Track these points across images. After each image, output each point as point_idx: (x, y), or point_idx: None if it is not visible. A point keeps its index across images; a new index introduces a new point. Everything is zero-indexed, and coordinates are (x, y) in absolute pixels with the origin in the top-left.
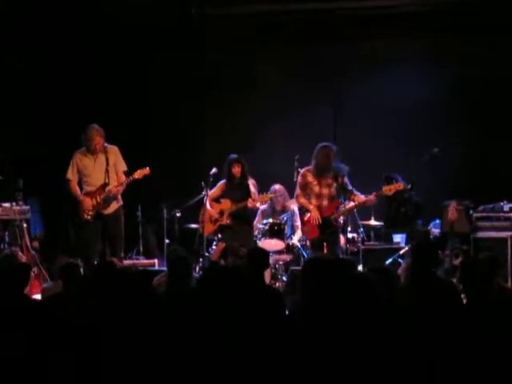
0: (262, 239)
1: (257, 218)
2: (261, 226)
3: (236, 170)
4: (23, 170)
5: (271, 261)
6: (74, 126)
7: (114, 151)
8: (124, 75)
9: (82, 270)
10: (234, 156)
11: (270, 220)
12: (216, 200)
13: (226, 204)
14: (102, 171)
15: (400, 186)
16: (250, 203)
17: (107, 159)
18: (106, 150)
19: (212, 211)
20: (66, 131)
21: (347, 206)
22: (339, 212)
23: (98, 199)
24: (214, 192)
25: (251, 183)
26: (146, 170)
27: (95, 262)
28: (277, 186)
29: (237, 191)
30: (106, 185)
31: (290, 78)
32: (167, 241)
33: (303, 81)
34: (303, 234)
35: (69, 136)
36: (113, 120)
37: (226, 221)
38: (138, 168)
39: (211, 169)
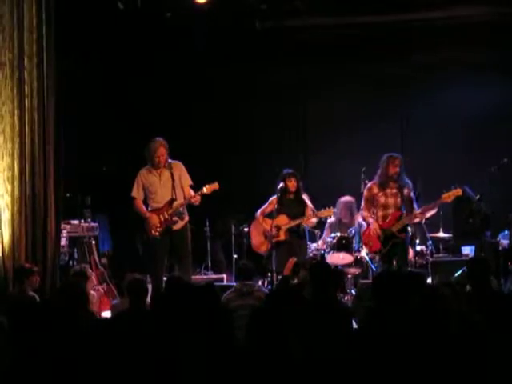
0: (331, 253)
1: (325, 232)
2: (329, 240)
3: (291, 184)
4: (91, 187)
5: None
6: (140, 143)
7: (178, 166)
8: (188, 90)
9: (150, 286)
10: (288, 170)
11: (338, 233)
12: (268, 216)
13: (283, 219)
14: (168, 187)
15: (458, 192)
16: (305, 222)
17: (172, 175)
18: (170, 165)
19: (267, 227)
20: (133, 148)
21: (408, 219)
22: (399, 223)
23: (166, 215)
24: (265, 207)
25: (306, 198)
26: (215, 185)
27: (164, 278)
28: (345, 198)
29: (293, 206)
30: (172, 201)
31: (357, 90)
32: (235, 256)
33: (370, 92)
34: (366, 248)
35: (136, 153)
36: (178, 135)
37: (283, 236)
38: (206, 183)
39: (279, 183)
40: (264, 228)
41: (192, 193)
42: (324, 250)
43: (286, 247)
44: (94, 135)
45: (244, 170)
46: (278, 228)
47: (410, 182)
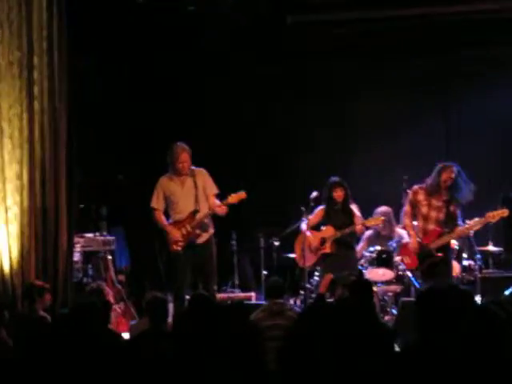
0: (369, 268)
1: (361, 245)
2: (367, 254)
3: (338, 194)
4: (107, 197)
5: (380, 292)
6: (161, 149)
7: (202, 174)
8: (212, 91)
9: (171, 305)
10: (335, 179)
11: (378, 247)
12: (315, 228)
13: (329, 231)
14: (191, 197)
15: (504, 212)
16: (358, 227)
17: (195, 183)
18: (193, 173)
19: (312, 239)
20: (152, 154)
21: (449, 237)
22: (439, 240)
23: (188, 228)
24: (312, 219)
25: (354, 207)
26: (242, 194)
27: (187, 297)
28: (383, 209)
29: (340, 217)
30: (196, 211)
31: (394, 89)
32: (265, 272)
33: (410, 93)
34: (402, 263)
35: (156, 159)
36: (201, 140)
37: (329, 249)
38: (231, 192)
39: (311, 192)
40: (309, 241)
41: (217, 202)
42: (362, 266)
43: (334, 260)
44: (111, 140)
45: (272, 179)
46: (324, 241)
47: (467, 195)
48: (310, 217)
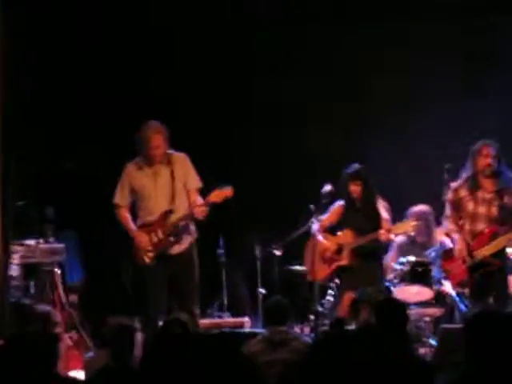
0: (400, 285)
1: (390, 255)
2: (398, 267)
3: (354, 189)
4: (53, 192)
5: (414, 317)
6: (125, 129)
7: (182, 161)
8: (192, 58)
9: (140, 334)
10: (352, 169)
11: (412, 258)
12: (331, 231)
13: (347, 236)
14: (166, 192)
15: None
16: (382, 235)
17: (172, 173)
18: (170, 159)
19: (326, 246)
20: (113, 137)
21: (507, 238)
22: (494, 243)
23: (160, 235)
24: (326, 219)
25: (381, 206)
26: (228, 190)
27: (160, 323)
28: (419, 208)
29: (361, 218)
30: (169, 212)
31: (430, 59)
32: (262, 290)
33: (453, 61)
34: (446, 276)
35: (118, 143)
36: (178, 119)
37: (346, 260)
38: (216, 187)
39: (323, 186)
40: (323, 248)
41: (199, 200)
42: (390, 282)
43: (353, 274)
44: (57, 120)
45: (274, 166)
46: (341, 248)
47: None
48: (325, 216)
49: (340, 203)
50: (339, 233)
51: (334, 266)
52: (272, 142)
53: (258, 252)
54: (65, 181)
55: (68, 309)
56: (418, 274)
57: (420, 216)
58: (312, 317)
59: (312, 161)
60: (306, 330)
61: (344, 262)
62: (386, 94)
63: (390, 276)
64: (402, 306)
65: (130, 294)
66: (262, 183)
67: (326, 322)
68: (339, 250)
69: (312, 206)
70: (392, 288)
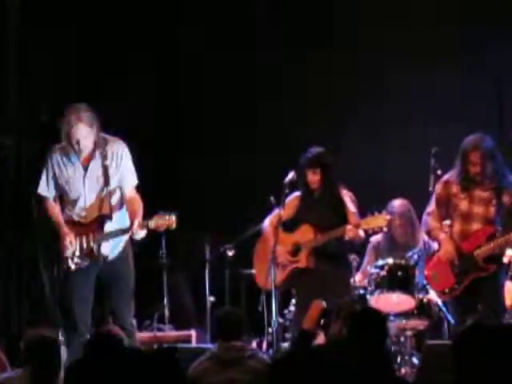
0: (377, 293)
1: (366, 258)
2: (374, 271)
3: (312, 178)
4: None
5: (393, 330)
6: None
7: (117, 148)
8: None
9: (64, 348)
10: (309, 153)
11: (390, 260)
12: (287, 227)
13: (305, 233)
14: (95, 187)
15: None
16: (350, 231)
17: (106, 172)
18: (104, 144)
19: (279, 244)
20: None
21: (505, 240)
22: (490, 246)
23: (91, 243)
24: (280, 213)
25: (346, 196)
26: (171, 221)
27: (87, 335)
28: (399, 202)
29: (320, 212)
30: (103, 218)
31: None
32: (212, 298)
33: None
34: (430, 283)
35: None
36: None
37: (305, 262)
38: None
39: (287, 173)
40: (275, 246)
41: (137, 209)
42: (365, 289)
43: (311, 280)
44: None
45: (222, 153)
46: (298, 247)
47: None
48: (277, 210)
49: (296, 194)
50: (297, 228)
51: (289, 269)
52: (225, 126)
53: (206, 252)
54: None
55: None
56: (398, 280)
57: (401, 211)
58: (271, 330)
59: (273, 143)
60: (264, 345)
61: (301, 263)
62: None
63: (365, 282)
64: (380, 318)
65: (52, 300)
66: (214, 171)
67: (288, 336)
68: (296, 250)
69: (272, 198)
70: (367, 296)
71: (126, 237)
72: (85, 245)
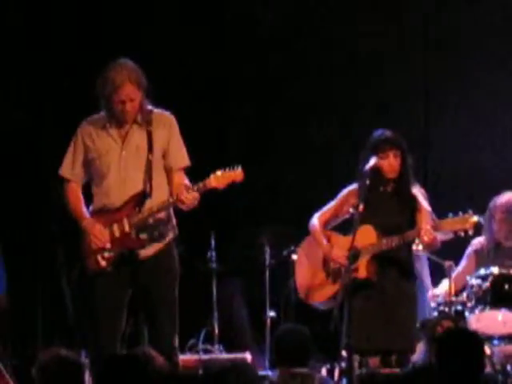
0: (478, 310)
1: (462, 265)
2: (474, 283)
3: (389, 163)
4: None
5: (498, 356)
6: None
7: (167, 123)
8: None
9: (88, 372)
10: (383, 132)
11: (495, 270)
12: (337, 228)
13: (366, 235)
14: (137, 165)
15: None
16: (424, 234)
17: (150, 138)
18: (149, 119)
19: (331, 249)
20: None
21: None
22: None
23: (126, 227)
24: (331, 210)
25: (419, 192)
26: (238, 173)
27: (115, 358)
28: (506, 198)
29: (390, 209)
30: (144, 196)
31: None
32: (272, 313)
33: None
34: None
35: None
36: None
37: (365, 272)
38: (216, 168)
39: (367, 160)
40: (326, 252)
41: (186, 182)
42: (463, 304)
43: (373, 296)
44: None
45: (299, 144)
46: (356, 254)
47: None
48: (331, 203)
49: (353, 187)
50: (357, 230)
51: (344, 279)
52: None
53: (267, 257)
54: None
55: None
56: (504, 294)
57: (507, 208)
58: (344, 353)
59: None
60: (336, 373)
61: (361, 273)
62: None
63: (463, 296)
64: (477, 340)
65: (75, 314)
66: (277, 163)
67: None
68: (353, 257)
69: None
70: (466, 314)
71: (170, 228)
72: (117, 233)
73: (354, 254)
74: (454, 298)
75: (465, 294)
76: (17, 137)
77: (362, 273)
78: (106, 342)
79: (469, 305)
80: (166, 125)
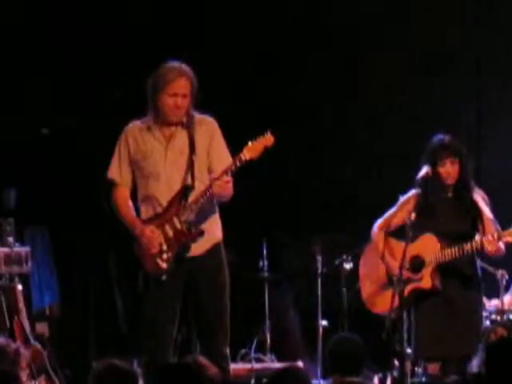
0: None
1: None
2: None
3: (449, 169)
4: (17, 168)
5: None
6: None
7: (209, 126)
8: None
9: (141, 382)
10: (441, 138)
11: None
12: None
13: (429, 244)
14: (180, 164)
15: None
16: (489, 243)
17: (192, 140)
18: (191, 123)
19: (391, 258)
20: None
21: None
22: None
23: (177, 224)
24: (393, 215)
25: (480, 198)
26: (268, 138)
27: (168, 366)
28: None
29: (451, 216)
30: (187, 189)
31: None
32: (324, 322)
33: None
34: None
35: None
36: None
37: (430, 281)
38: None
39: (419, 169)
40: (386, 260)
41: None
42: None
43: (438, 306)
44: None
45: (352, 141)
46: (420, 263)
47: None
48: (391, 210)
49: (413, 192)
50: (417, 238)
51: (408, 289)
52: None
53: (319, 265)
54: (35, 153)
55: (34, 343)
56: None
57: None
58: (397, 362)
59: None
60: (389, 381)
61: (426, 284)
62: None
63: None
64: None
65: (128, 323)
66: (331, 163)
67: (419, 370)
68: (417, 266)
69: (400, 198)
70: None
71: (217, 228)
72: (170, 232)
73: (417, 264)
74: (506, 307)
75: None
76: (69, 142)
77: (428, 282)
78: (159, 350)
79: None
80: (208, 127)
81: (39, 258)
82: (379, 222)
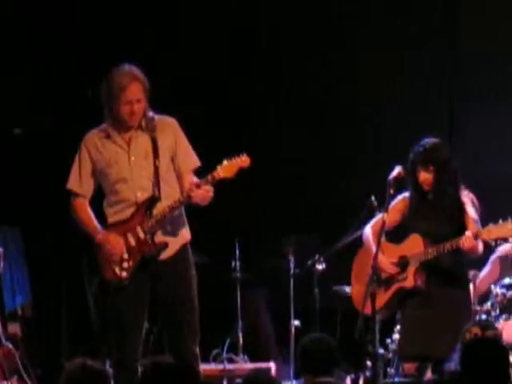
0: (502, 319)
1: (486, 270)
2: (499, 291)
3: (425, 178)
4: None
5: None
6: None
7: (171, 127)
8: None
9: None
10: (421, 146)
11: None
12: (391, 237)
13: (414, 244)
14: (146, 170)
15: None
16: (464, 241)
17: (155, 144)
18: (152, 125)
19: (383, 258)
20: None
21: None
22: None
23: (141, 234)
24: (383, 219)
25: (468, 199)
26: (244, 159)
27: (139, 367)
28: None
29: (435, 218)
30: (154, 200)
31: None
32: (296, 322)
33: None
34: None
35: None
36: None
37: (412, 280)
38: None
39: (392, 169)
40: (379, 261)
41: (195, 180)
42: (488, 313)
43: (420, 305)
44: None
45: (323, 153)
46: (405, 262)
47: None
48: (380, 215)
49: (404, 195)
50: (405, 240)
51: (393, 289)
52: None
53: (291, 266)
54: (7, 154)
55: (6, 344)
56: None
57: None
58: (369, 363)
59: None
60: (361, 382)
61: (408, 282)
62: None
63: (487, 305)
64: (501, 349)
65: (99, 324)
66: (302, 166)
67: (392, 370)
68: (403, 266)
69: (373, 199)
70: (496, 322)
71: (185, 230)
72: (133, 242)
73: (402, 264)
74: (478, 307)
75: (489, 303)
76: (42, 142)
77: (410, 282)
78: (127, 352)
79: (493, 314)
80: (170, 129)
81: (11, 259)
82: (370, 223)
